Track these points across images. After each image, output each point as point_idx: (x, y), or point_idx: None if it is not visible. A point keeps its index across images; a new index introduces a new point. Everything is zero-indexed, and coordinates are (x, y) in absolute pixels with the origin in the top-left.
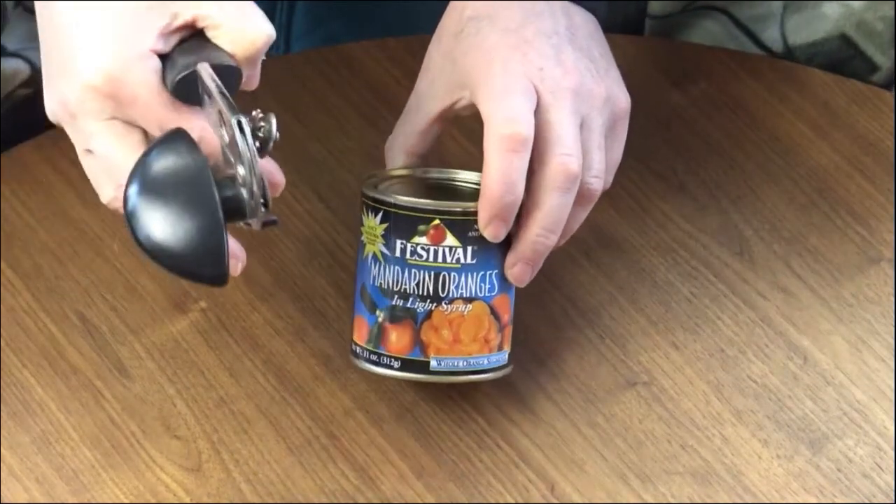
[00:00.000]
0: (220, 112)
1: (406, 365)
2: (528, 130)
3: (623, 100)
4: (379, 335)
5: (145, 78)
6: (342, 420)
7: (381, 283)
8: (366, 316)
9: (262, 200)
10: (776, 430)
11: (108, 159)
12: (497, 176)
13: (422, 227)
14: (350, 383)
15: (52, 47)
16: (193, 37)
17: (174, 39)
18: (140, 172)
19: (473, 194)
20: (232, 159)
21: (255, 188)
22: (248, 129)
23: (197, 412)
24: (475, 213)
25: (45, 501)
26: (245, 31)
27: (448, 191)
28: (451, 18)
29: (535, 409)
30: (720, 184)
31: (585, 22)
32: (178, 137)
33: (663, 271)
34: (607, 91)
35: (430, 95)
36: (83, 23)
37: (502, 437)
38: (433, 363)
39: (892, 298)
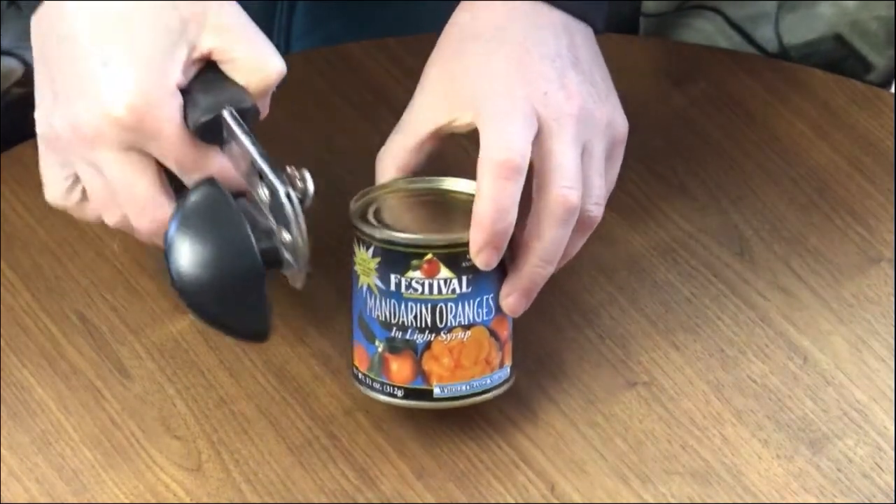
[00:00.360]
0: (251, 164)
1: (409, 394)
2: (523, 158)
3: (622, 125)
4: (380, 365)
5: (170, 115)
6: (342, 420)
7: (377, 315)
8: (364, 345)
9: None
10: (776, 430)
11: (121, 188)
12: (489, 203)
13: (415, 262)
14: (350, 383)
15: (70, 74)
16: (208, 68)
17: (191, 72)
18: (178, 229)
19: (466, 212)
20: (269, 215)
21: (301, 252)
22: (295, 200)
23: (197, 412)
24: (467, 244)
25: (45, 501)
26: (259, 66)
27: (440, 207)
28: (452, 34)
29: (536, 409)
30: (720, 184)
31: (586, 42)
32: (212, 190)
33: (663, 271)
34: (608, 116)
35: (427, 111)
36: (109, 58)
37: (502, 437)
38: (437, 390)
39: (892, 298)
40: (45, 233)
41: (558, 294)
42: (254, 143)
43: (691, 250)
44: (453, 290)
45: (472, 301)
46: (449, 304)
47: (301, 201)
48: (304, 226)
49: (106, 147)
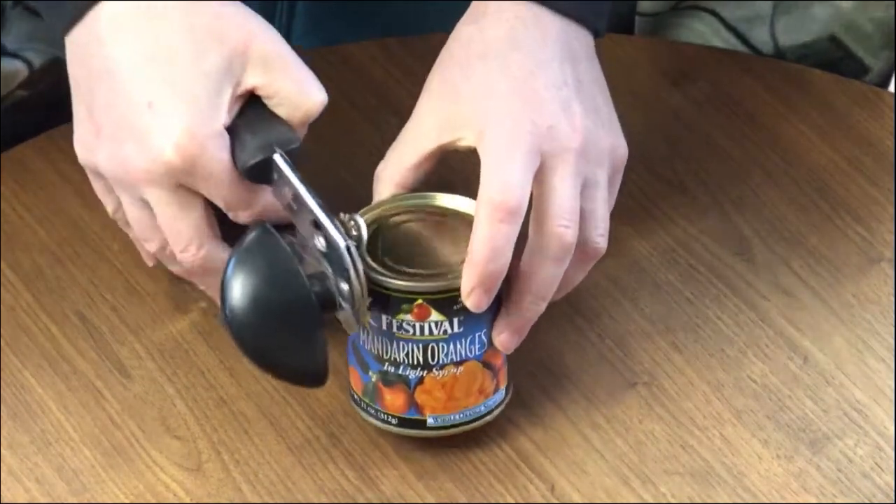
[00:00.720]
0: (303, 206)
1: (403, 422)
2: (521, 201)
3: (623, 150)
4: (374, 393)
5: (220, 156)
6: (342, 420)
7: (370, 349)
8: (359, 371)
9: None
10: (776, 430)
11: (168, 223)
12: (483, 243)
13: (405, 307)
14: (350, 383)
15: (113, 112)
16: (250, 102)
17: (236, 109)
18: (234, 270)
19: (462, 238)
20: (323, 260)
21: (360, 303)
22: (355, 253)
23: (197, 412)
24: (458, 290)
25: (45, 501)
26: (302, 102)
27: (436, 230)
28: (457, 48)
29: (536, 410)
30: (720, 184)
31: (588, 58)
32: (267, 234)
33: (664, 272)
34: (611, 144)
35: (429, 129)
36: (154, 98)
37: (502, 437)
38: (430, 420)
39: (893, 298)
40: (46, 233)
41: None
42: (309, 190)
43: (692, 251)
44: (445, 332)
45: (464, 339)
46: (440, 344)
47: (356, 245)
48: (363, 278)
49: (154, 186)
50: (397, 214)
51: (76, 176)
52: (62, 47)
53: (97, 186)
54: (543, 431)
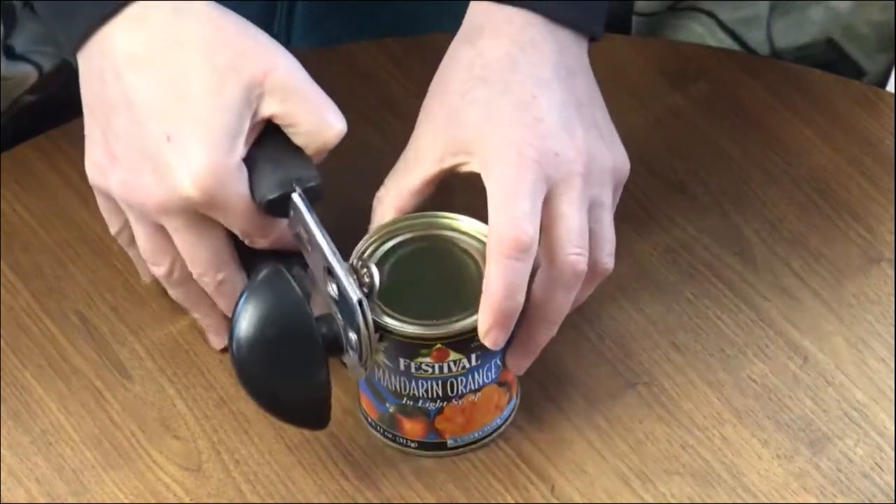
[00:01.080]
0: (323, 259)
1: (423, 446)
2: (533, 237)
3: (624, 165)
4: (392, 422)
5: (239, 190)
6: (342, 420)
7: (387, 385)
8: (374, 402)
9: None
10: (776, 430)
11: (187, 249)
12: (498, 282)
13: (424, 351)
14: (350, 383)
15: (129, 143)
16: (268, 130)
17: (252, 137)
18: (243, 306)
19: (472, 271)
20: (335, 307)
21: (367, 354)
22: (367, 307)
23: (197, 412)
24: (474, 331)
25: (45, 501)
26: (321, 131)
27: (445, 259)
28: (457, 71)
29: (536, 410)
30: (720, 184)
31: (584, 76)
32: (279, 276)
33: (664, 272)
34: (613, 161)
35: (430, 154)
36: (173, 131)
37: (502, 437)
38: (450, 442)
39: (893, 299)
40: (46, 233)
41: None
42: (324, 236)
43: (692, 251)
44: (463, 367)
45: (481, 370)
46: (459, 378)
47: (367, 296)
48: (373, 333)
49: (172, 216)
50: (401, 235)
51: (76, 176)
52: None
53: (104, 205)
54: (543, 431)
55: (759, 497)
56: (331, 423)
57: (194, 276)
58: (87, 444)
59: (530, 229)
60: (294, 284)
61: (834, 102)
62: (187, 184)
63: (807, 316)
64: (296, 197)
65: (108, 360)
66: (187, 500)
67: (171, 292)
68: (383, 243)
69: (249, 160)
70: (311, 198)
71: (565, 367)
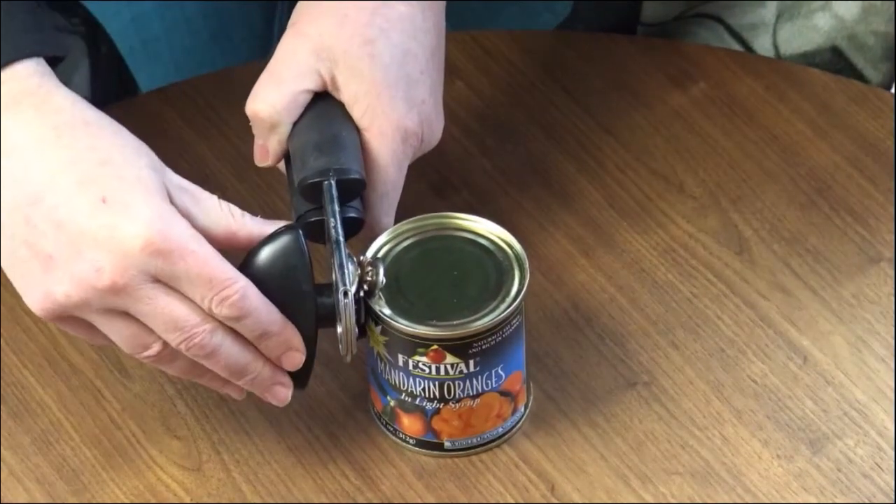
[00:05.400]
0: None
1: (421, 444)
2: None
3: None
4: (392, 415)
5: (189, 231)
6: (342, 420)
7: (388, 379)
8: (377, 392)
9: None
10: (776, 430)
11: (160, 317)
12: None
13: (421, 350)
14: (350, 383)
15: (70, 229)
16: (322, 113)
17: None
18: (246, 269)
19: (479, 275)
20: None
21: (346, 344)
22: (351, 299)
23: (197, 412)
24: (472, 336)
25: (46, 501)
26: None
27: (457, 260)
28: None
29: (535, 409)
30: (720, 184)
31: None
32: (290, 241)
33: (663, 271)
34: None
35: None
36: (110, 195)
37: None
38: (447, 444)
39: (892, 298)
40: None
41: (558, 294)
42: (336, 227)
43: (691, 250)
44: (460, 371)
45: (480, 376)
46: (457, 382)
47: (371, 289)
48: (353, 324)
49: (131, 288)
50: (417, 236)
51: None
52: None
53: (77, 331)
54: (543, 431)
55: (759, 497)
56: (331, 423)
57: (214, 307)
58: (87, 444)
59: None
60: (304, 248)
61: (834, 102)
62: (140, 234)
63: (806, 315)
64: (326, 186)
65: (108, 360)
66: (187, 500)
67: (170, 367)
68: (399, 244)
69: (296, 139)
70: (345, 191)
71: (565, 366)
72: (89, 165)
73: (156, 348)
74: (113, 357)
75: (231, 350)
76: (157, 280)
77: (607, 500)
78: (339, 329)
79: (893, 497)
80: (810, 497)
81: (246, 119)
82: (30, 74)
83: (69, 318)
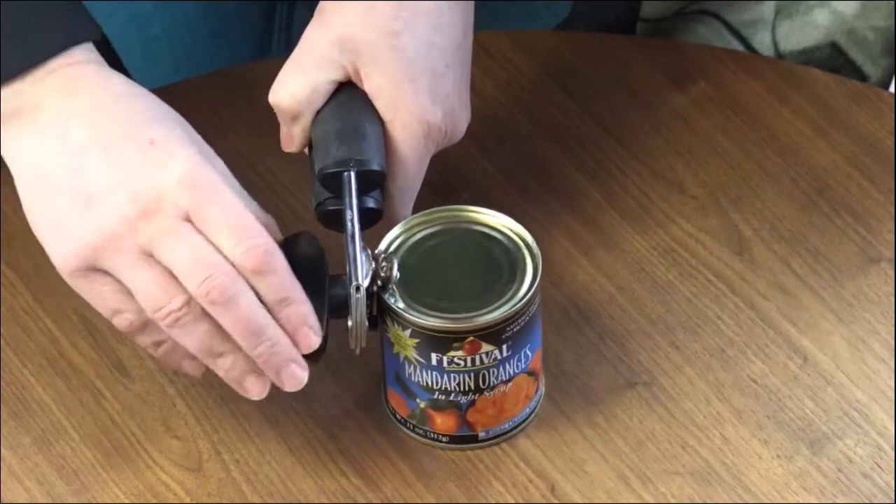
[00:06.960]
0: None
1: (455, 440)
2: None
3: None
4: (423, 416)
5: (226, 183)
6: (342, 420)
7: (418, 381)
8: (404, 397)
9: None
10: (776, 430)
11: (186, 259)
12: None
13: (456, 344)
14: (350, 383)
15: (116, 163)
16: (346, 105)
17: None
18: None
19: (498, 259)
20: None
21: (356, 339)
22: (363, 295)
23: (197, 412)
24: (506, 321)
25: (46, 501)
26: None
27: (472, 250)
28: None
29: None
30: (720, 184)
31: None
32: (305, 236)
33: (663, 271)
34: None
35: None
36: (158, 139)
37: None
38: (482, 434)
39: (892, 298)
40: None
41: (558, 294)
42: (353, 220)
43: (691, 250)
44: (495, 359)
45: (512, 360)
46: (491, 370)
47: (385, 283)
48: (364, 319)
49: (161, 219)
50: (428, 228)
51: None
52: None
53: (99, 292)
54: (543, 431)
55: (759, 497)
56: (331, 423)
57: (238, 256)
58: (87, 444)
59: None
60: (320, 245)
61: (834, 102)
62: (178, 169)
63: (806, 315)
64: (346, 177)
65: (108, 360)
66: (187, 500)
67: (193, 340)
68: (411, 237)
69: (319, 127)
70: (365, 181)
71: (565, 366)
72: (143, 118)
73: (177, 302)
74: (113, 357)
75: (251, 304)
76: (187, 219)
77: (607, 500)
78: (350, 322)
79: (893, 497)
80: (810, 497)
81: (245, 119)
82: (88, 60)
83: (94, 272)
